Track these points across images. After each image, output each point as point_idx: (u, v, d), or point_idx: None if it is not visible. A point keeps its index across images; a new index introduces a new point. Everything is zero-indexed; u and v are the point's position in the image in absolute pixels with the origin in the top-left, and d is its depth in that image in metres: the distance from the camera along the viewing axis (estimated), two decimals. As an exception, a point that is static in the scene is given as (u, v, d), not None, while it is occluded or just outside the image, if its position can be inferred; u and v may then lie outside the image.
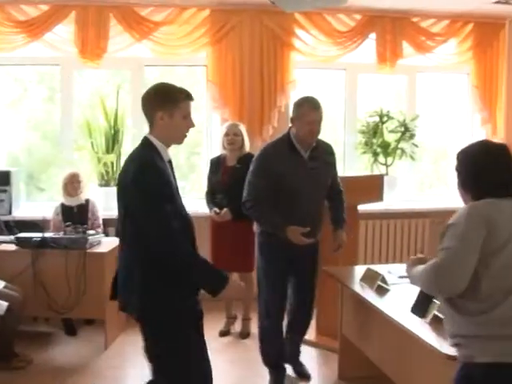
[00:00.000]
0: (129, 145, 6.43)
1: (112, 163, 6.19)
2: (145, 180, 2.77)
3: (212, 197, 5.37)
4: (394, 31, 6.60)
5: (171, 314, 2.87)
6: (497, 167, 2.54)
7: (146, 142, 2.92)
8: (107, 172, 6.19)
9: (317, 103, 4.02)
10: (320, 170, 4.09)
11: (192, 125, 2.96)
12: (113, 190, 6.14)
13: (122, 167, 2.99)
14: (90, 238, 5.03)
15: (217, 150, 5.74)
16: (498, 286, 2.37)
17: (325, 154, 4.20)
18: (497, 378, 2.35)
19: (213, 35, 6.25)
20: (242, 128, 5.43)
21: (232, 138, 5.30)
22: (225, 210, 5.14)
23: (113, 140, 6.18)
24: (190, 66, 6.71)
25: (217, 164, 5.43)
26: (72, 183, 5.59)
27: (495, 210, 2.45)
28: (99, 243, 5.19)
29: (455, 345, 2.49)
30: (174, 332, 2.88)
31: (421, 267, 2.59)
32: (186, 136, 2.98)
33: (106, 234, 5.69)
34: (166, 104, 2.86)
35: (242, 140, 5.35)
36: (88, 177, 6.03)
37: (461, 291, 2.38)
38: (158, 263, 2.79)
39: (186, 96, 2.93)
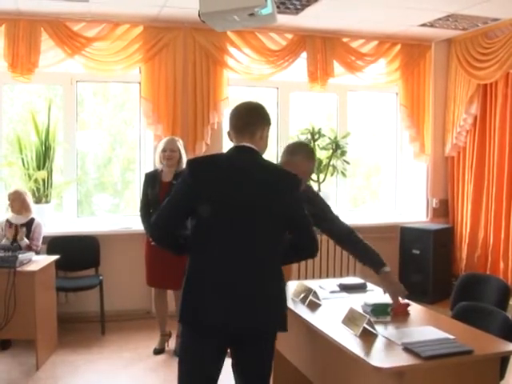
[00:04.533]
0: (60, 160, 6.35)
1: (43, 180, 6.06)
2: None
3: (147, 211, 5.26)
4: (324, 51, 6.77)
5: None
6: None
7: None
8: (38, 189, 6.06)
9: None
10: None
11: None
12: (45, 207, 6.06)
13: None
14: (20, 256, 4.91)
15: (150, 167, 5.67)
16: None
17: None
18: None
19: (146, 52, 6.25)
20: (180, 143, 5.38)
21: (169, 153, 5.25)
22: None
23: (44, 156, 6.07)
24: (123, 82, 6.67)
25: (154, 178, 5.31)
26: (14, 200, 5.59)
27: None
28: (30, 261, 5.07)
29: None
30: None
31: None
32: None
33: (38, 253, 5.59)
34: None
35: (180, 155, 5.30)
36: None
37: None
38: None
39: None
